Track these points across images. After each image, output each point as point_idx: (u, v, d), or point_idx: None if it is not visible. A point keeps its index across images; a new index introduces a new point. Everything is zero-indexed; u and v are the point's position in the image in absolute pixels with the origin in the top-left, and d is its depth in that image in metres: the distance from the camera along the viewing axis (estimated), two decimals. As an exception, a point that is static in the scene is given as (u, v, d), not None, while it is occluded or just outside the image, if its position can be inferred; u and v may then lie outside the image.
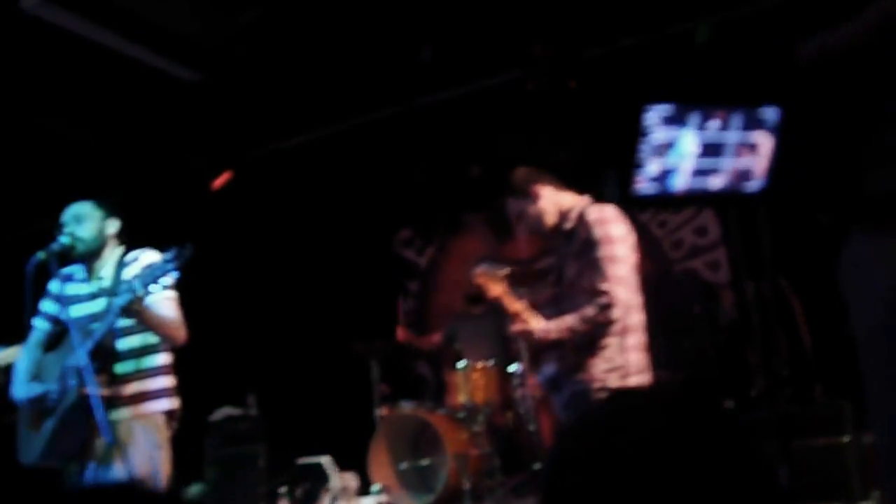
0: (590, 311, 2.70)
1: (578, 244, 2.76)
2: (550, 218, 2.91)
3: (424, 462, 4.79)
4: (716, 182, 1.32)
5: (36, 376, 3.04)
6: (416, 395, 5.25)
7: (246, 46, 4.67)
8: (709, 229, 5.26)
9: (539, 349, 2.81)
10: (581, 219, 2.80)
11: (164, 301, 2.95)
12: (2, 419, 3.42)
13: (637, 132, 1.23)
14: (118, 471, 2.87)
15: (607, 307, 2.69)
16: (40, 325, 3.15)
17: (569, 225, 2.86)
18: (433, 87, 5.36)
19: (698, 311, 4.62)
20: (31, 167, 5.61)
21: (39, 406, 2.99)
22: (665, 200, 1.34)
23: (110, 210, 3.12)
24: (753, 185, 1.34)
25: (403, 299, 6.15)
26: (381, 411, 4.97)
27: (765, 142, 1.31)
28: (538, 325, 2.78)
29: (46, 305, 3.16)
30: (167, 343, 3.00)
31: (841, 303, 1.79)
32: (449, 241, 6.08)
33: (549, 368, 2.86)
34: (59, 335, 3.11)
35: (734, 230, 2.53)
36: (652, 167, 1.26)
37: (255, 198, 6.03)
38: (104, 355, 2.90)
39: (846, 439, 3.54)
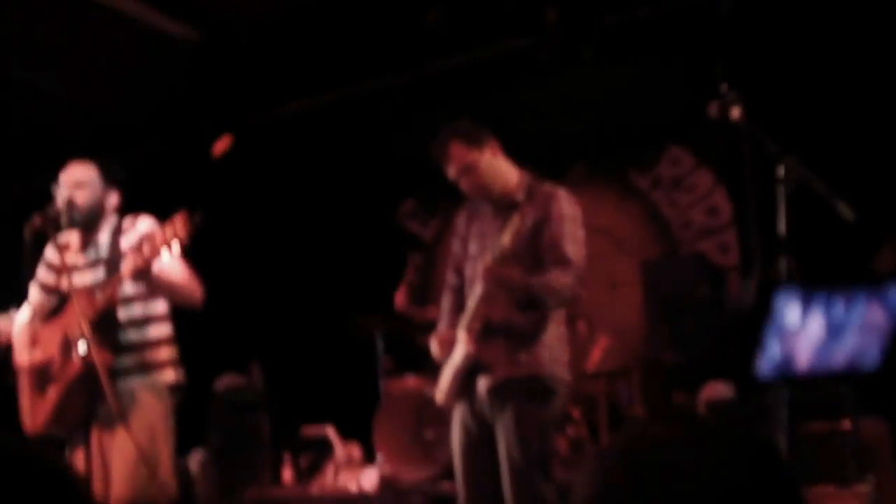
0: (565, 278, 2.64)
1: (536, 216, 2.68)
2: (501, 181, 2.79)
3: (429, 435, 4.80)
4: (836, 361, 1.41)
5: (36, 343, 3.02)
6: (420, 368, 5.24)
7: (245, 7, 4.56)
8: (720, 210, 5.18)
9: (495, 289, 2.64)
10: (547, 192, 2.73)
11: (172, 265, 2.90)
12: (1, 381, 3.40)
13: (761, 316, 1.32)
14: (121, 440, 2.86)
15: (578, 283, 2.68)
16: (38, 294, 3.12)
17: (520, 196, 2.75)
18: (441, 54, 5.26)
19: (705, 293, 4.59)
20: (24, 126, 5.55)
21: (42, 374, 2.97)
22: (786, 381, 1.44)
23: (113, 179, 3.06)
24: (870, 361, 1.43)
25: (408, 271, 6.10)
26: (386, 384, 4.97)
27: (885, 321, 1.40)
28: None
29: (43, 274, 3.12)
30: (182, 304, 2.95)
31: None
32: (453, 213, 6.01)
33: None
34: (58, 304, 3.08)
35: (749, 211, 2.50)
36: (775, 350, 1.34)
37: (258, 165, 5.97)
38: (107, 325, 2.87)
39: (846, 424, 3.56)
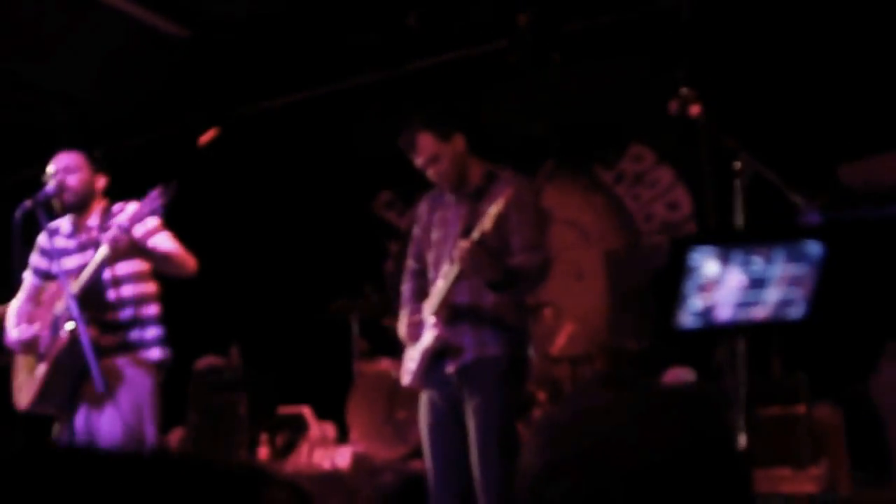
0: (536, 260, 2.75)
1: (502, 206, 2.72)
2: (465, 172, 2.86)
3: (400, 415, 4.94)
4: (759, 313, 1.38)
5: (30, 325, 3.11)
6: (394, 351, 5.39)
7: (232, 5, 4.67)
8: (680, 205, 5.37)
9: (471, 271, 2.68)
10: (511, 182, 2.81)
11: (161, 238, 3.02)
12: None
13: (681, 270, 1.26)
14: (109, 417, 2.97)
15: (548, 264, 2.80)
16: (31, 280, 3.21)
17: (483, 185, 2.84)
18: (419, 54, 5.39)
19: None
20: (14, 119, 5.58)
21: (32, 351, 3.07)
22: (708, 333, 1.38)
23: (100, 165, 3.17)
24: (796, 312, 1.40)
25: (384, 261, 6.23)
26: (359, 366, 5.12)
27: (807, 273, 1.36)
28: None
29: (36, 259, 3.22)
30: (179, 274, 3.05)
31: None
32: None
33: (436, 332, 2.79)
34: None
35: (707, 206, 2.63)
36: (696, 302, 1.31)
37: (242, 155, 6.07)
38: (95, 304, 2.97)
39: (801, 409, 3.71)
